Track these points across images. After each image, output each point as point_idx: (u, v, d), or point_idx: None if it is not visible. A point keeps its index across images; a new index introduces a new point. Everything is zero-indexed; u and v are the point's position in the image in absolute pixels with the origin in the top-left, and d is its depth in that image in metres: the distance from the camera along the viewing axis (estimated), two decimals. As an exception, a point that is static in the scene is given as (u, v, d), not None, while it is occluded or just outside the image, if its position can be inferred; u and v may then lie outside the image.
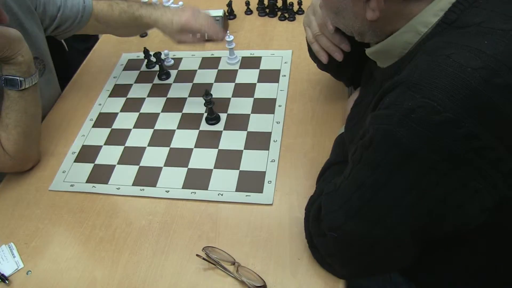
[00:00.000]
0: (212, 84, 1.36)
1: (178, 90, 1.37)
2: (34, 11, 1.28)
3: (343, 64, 1.05)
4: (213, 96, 1.23)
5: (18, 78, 1.12)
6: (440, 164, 0.66)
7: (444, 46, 0.69)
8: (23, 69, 1.13)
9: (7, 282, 1.01)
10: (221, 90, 1.32)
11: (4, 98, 1.15)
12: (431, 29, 0.74)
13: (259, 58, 1.42)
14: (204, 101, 1.21)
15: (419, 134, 0.65)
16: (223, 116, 1.26)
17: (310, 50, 1.12)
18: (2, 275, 1.02)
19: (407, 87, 0.67)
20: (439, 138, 0.64)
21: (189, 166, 1.15)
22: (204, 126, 1.25)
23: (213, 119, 1.25)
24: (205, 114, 1.26)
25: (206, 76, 1.39)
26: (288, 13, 1.58)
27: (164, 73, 1.41)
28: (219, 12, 1.54)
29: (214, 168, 1.14)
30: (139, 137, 1.25)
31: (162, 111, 1.31)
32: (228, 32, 1.41)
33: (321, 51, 1.05)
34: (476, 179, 0.67)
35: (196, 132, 1.23)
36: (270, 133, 1.19)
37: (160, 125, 1.27)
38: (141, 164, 1.18)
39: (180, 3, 1.65)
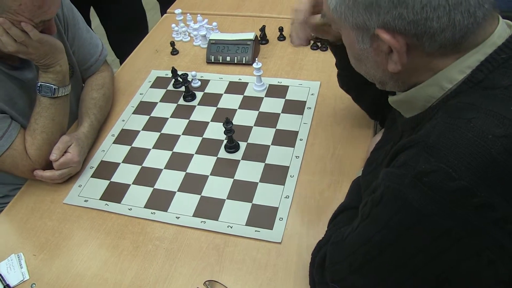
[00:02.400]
0: (236, 110, 1.35)
1: (202, 113, 1.37)
2: (63, 29, 1.33)
3: (363, 86, 1.05)
4: (235, 123, 1.22)
5: (52, 86, 1.18)
6: (451, 231, 0.63)
7: (467, 108, 0.66)
8: (59, 78, 1.19)
9: (11, 293, 1.02)
10: (244, 117, 1.31)
11: (36, 104, 1.20)
12: (456, 86, 0.71)
13: (286, 87, 1.41)
14: (224, 129, 1.20)
15: (430, 199, 0.62)
16: (243, 145, 1.25)
17: (338, 75, 1.18)
18: (7, 285, 1.03)
19: (423, 148, 0.64)
20: (452, 205, 0.61)
21: (202, 194, 1.14)
22: (222, 153, 1.24)
23: (232, 147, 1.24)
24: (225, 141, 1.25)
25: (231, 101, 1.39)
26: (321, 43, 1.56)
27: (189, 95, 1.41)
28: (251, 35, 1.54)
29: (227, 198, 1.12)
30: (157, 158, 1.25)
31: (183, 133, 1.31)
32: (256, 59, 1.40)
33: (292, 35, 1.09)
34: (491, 250, 0.64)
35: (214, 159, 1.22)
36: (288, 167, 1.17)
37: (179, 147, 1.27)
38: (155, 187, 1.18)
39: (214, 23, 1.66)
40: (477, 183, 0.60)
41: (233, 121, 1.21)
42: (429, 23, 0.66)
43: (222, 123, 1.21)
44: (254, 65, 1.36)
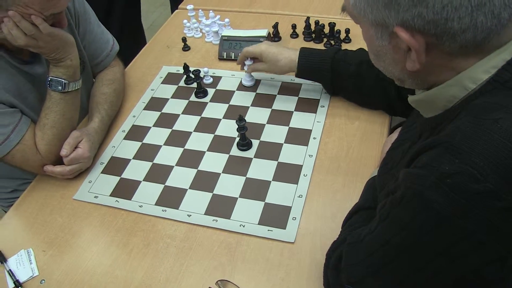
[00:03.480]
0: (248, 107, 1.34)
1: (214, 110, 1.35)
2: (75, 23, 1.32)
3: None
4: (248, 121, 1.21)
5: (63, 80, 1.16)
6: (474, 234, 0.61)
7: (493, 108, 0.63)
8: (69, 72, 1.17)
9: (20, 289, 1.01)
10: (256, 115, 1.29)
11: (46, 99, 1.19)
12: (480, 86, 0.68)
13: (299, 85, 1.39)
14: (237, 126, 1.18)
15: (454, 201, 0.60)
16: (255, 143, 1.23)
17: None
18: (17, 280, 1.02)
19: (446, 149, 0.62)
20: (476, 208, 0.59)
21: (214, 192, 1.13)
22: (235, 151, 1.22)
23: (244, 145, 1.22)
24: (237, 139, 1.23)
25: (243, 98, 1.37)
26: (335, 41, 1.53)
27: (201, 91, 1.40)
28: (263, 32, 1.52)
29: (240, 197, 1.11)
30: (168, 155, 1.24)
31: (194, 130, 1.29)
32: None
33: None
34: None
35: (226, 156, 1.21)
36: (301, 166, 1.15)
37: (190, 144, 1.26)
38: (166, 184, 1.16)
39: (226, 20, 1.64)
40: (503, 186, 0.58)
41: (245, 119, 1.20)
42: (449, 23, 0.63)
43: (234, 120, 1.19)
44: (247, 62, 1.35)
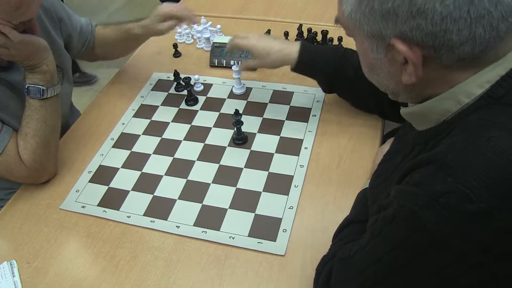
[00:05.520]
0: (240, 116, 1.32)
1: (204, 119, 1.33)
2: (56, 20, 1.31)
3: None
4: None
5: (41, 87, 1.14)
6: (469, 255, 0.60)
7: (487, 125, 0.62)
8: (47, 78, 1.14)
9: (2, 302, 0.98)
10: (247, 124, 1.27)
11: (26, 107, 1.16)
12: (474, 100, 0.67)
13: (291, 94, 1.37)
14: (233, 121, 1.20)
15: (447, 221, 0.59)
16: (246, 152, 1.21)
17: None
18: (-1, 294, 0.99)
19: (440, 167, 0.61)
20: (470, 228, 0.58)
21: (203, 203, 1.11)
22: (225, 160, 1.20)
23: (240, 139, 1.22)
24: (233, 134, 1.24)
25: (234, 106, 1.35)
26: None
27: (192, 99, 1.38)
28: (256, 40, 1.50)
29: (229, 208, 1.09)
30: (158, 164, 1.22)
31: (184, 139, 1.27)
32: (239, 62, 1.38)
33: None
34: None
35: (216, 166, 1.19)
36: (292, 176, 1.14)
37: (180, 153, 1.23)
38: (155, 194, 1.14)
39: (218, 26, 1.62)
40: (497, 206, 0.57)
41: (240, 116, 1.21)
42: (448, 35, 0.62)
43: (225, 129, 1.18)
44: (234, 67, 1.34)
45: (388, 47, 0.68)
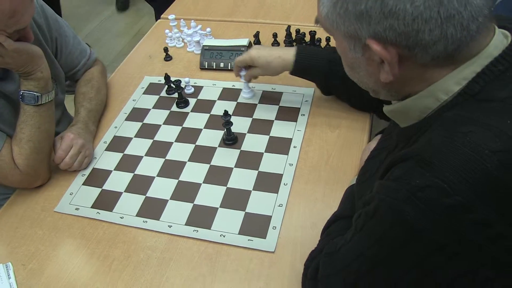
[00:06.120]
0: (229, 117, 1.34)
1: (195, 120, 1.35)
2: (49, 39, 1.32)
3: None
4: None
5: (35, 93, 1.15)
6: (447, 247, 0.62)
7: (463, 121, 0.64)
8: (41, 84, 1.16)
9: (-1, 304, 1.00)
10: (237, 124, 1.30)
11: (20, 113, 1.18)
12: (452, 97, 0.69)
13: (280, 94, 1.40)
14: (223, 121, 1.22)
15: (425, 214, 0.61)
16: (236, 152, 1.23)
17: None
18: (-5, 296, 1.01)
19: (418, 162, 0.63)
20: (447, 221, 0.60)
21: (195, 202, 1.13)
22: (216, 160, 1.22)
23: (230, 139, 1.25)
24: (223, 135, 1.27)
25: (224, 107, 1.36)
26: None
27: (182, 101, 1.40)
28: (245, 42, 1.53)
29: (220, 207, 1.11)
30: (150, 166, 1.24)
31: (175, 141, 1.30)
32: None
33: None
34: (487, 266, 0.63)
35: (206, 166, 1.21)
36: (282, 175, 1.16)
37: (172, 155, 1.26)
38: (147, 195, 1.16)
39: (208, 29, 1.64)
40: (473, 199, 0.59)
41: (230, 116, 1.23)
42: (420, 35, 0.64)
43: (215, 130, 1.20)
44: (241, 72, 1.35)
45: (365, 47, 0.70)
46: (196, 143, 1.28)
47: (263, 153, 1.22)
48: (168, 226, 1.09)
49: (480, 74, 0.67)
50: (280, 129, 1.28)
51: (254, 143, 1.25)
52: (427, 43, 0.65)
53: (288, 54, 1.24)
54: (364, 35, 0.68)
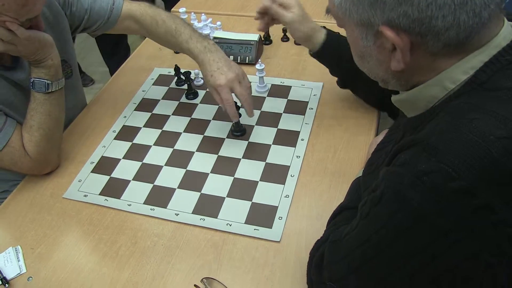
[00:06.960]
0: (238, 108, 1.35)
1: (203, 112, 1.36)
2: (64, 14, 1.32)
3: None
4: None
5: (46, 81, 1.17)
6: (450, 232, 0.62)
7: (469, 109, 0.65)
8: (51, 72, 1.17)
9: (7, 285, 1.01)
10: (246, 117, 1.30)
11: (31, 100, 1.19)
12: (459, 86, 0.70)
13: (289, 88, 1.41)
14: None
15: (430, 199, 0.61)
16: (244, 143, 1.24)
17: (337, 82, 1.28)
18: (4, 278, 1.02)
19: (423, 148, 0.63)
20: (451, 206, 0.61)
21: (202, 191, 1.14)
22: (224, 151, 1.24)
23: (238, 131, 1.26)
24: (231, 126, 1.28)
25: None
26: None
27: (191, 93, 1.41)
28: (255, 37, 1.54)
29: (227, 196, 1.12)
30: (158, 155, 1.25)
31: (184, 131, 1.31)
32: (259, 60, 1.40)
33: None
34: (490, 253, 0.63)
35: (214, 156, 1.22)
36: (289, 167, 1.17)
37: (180, 145, 1.27)
38: (155, 183, 1.17)
39: (218, 23, 1.66)
40: (477, 184, 0.59)
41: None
42: (433, 21, 0.65)
43: (224, 122, 1.21)
44: (257, 66, 1.36)
45: (377, 34, 0.71)
46: (205, 134, 1.29)
47: (270, 145, 1.23)
48: (175, 214, 1.10)
49: (488, 64, 0.68)
50: (288, 122, 1.29)
51: (262, 135, 1.26)
52: (439, 30, 0.65)
53: (319, 32, 1.20)
54: (377, 22, 0.68)
